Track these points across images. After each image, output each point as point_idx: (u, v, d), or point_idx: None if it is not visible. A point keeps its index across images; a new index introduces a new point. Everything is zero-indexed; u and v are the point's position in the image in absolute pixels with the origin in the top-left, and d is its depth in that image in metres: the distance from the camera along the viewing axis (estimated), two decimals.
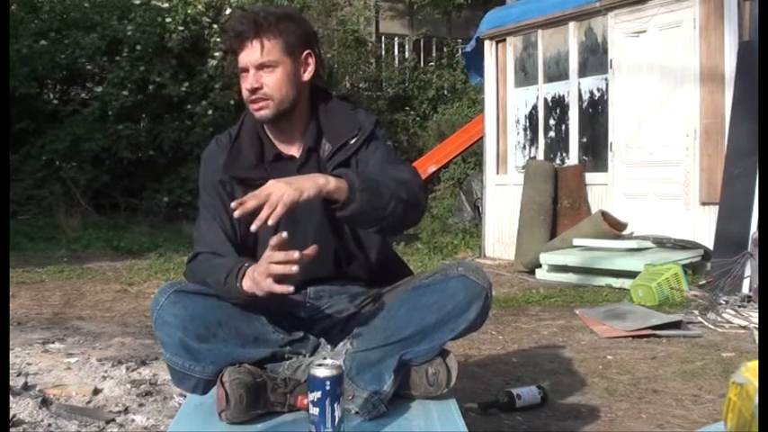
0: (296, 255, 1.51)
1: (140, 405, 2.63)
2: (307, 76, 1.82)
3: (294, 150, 1.85)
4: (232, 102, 10.14)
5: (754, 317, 3.91)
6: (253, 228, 1.50)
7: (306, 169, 1.80)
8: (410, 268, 1.98)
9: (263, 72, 1.75)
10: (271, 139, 1.85)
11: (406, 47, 16.08)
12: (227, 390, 1.54)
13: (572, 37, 6.79)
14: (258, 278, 1.54)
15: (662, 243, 5.61)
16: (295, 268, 1.50)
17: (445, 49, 15.90)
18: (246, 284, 1.58)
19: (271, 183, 1.51)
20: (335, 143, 1.82)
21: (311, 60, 1.82)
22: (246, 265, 1.61)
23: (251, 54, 1.75)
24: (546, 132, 7.14)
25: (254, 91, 1.76)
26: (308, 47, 1.82)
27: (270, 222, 1.47)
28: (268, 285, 1.52)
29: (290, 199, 1.48)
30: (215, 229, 1.78)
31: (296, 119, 1.83)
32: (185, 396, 1.94)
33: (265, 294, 1.55)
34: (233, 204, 1.51)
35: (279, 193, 1.48)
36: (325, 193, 1.53)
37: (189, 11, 10.41)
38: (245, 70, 1.76)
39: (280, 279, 1.51)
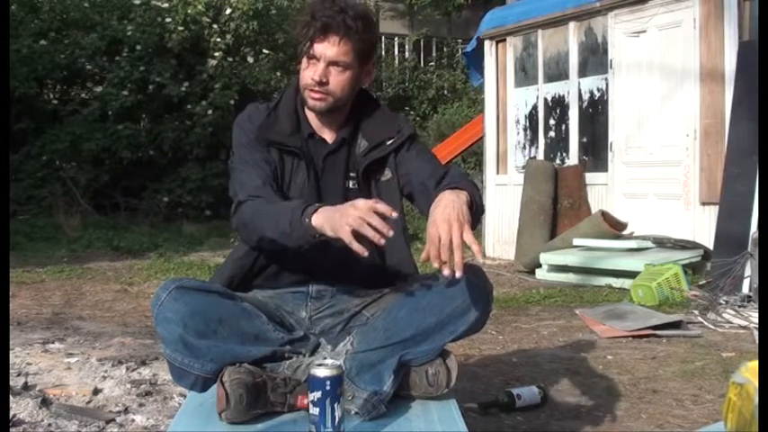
0: (390, 233, 1.48)
1: (140, 405, 2.63)
2: (366, 82, 1.87)
3: (327, 136, 1.87)
4: (232, 102, 10.15)
5: (754, 317, 3.91)
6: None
7: (334, 156, 1.85)
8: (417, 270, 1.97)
9: (333, 68, 1.77)
10: (308, 118, 1.88)
11: (407, 47, 16.07)
12: (227, 389, 1.54)
13: (572, 37, 6.79)
14: (340, 221, 1.49)
15: (662, 243, 5.61)
16: (383, 241, 1.48)
17: (445, 49, 15.90)
18: (318, 220, 1.53)
19: (439, 227, 1.51)
20: (372, 141, 1.85)
21: (373, 69, 1.87)
22: (318, 205, 1.58)
23: (330, 48, 1.75)
24: (546, 132, 7.14)
25: (320, 83, 1.77)
26: (374, 55, 1.86)
27: (479, 258, 1.52)
28: (347, 234, 1.47)
29: (469, 236, 1.51)
30: (256, 177, 1.76)
31: (338, 113, 1.86)
32: (185, 396, 1.94)
33: (335, 238, 1.51)
34: (435, 264, 1.51)
35: (458, 235, 1.50)
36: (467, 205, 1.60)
37: (189, 11, 10.41)
38: (316, 59, 1.77)
39: (359, 237, 1.48)
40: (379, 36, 15.51)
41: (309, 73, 1.78)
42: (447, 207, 1.54)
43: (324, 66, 1.76)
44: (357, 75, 1.81)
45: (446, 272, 1.48)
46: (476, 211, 1.64)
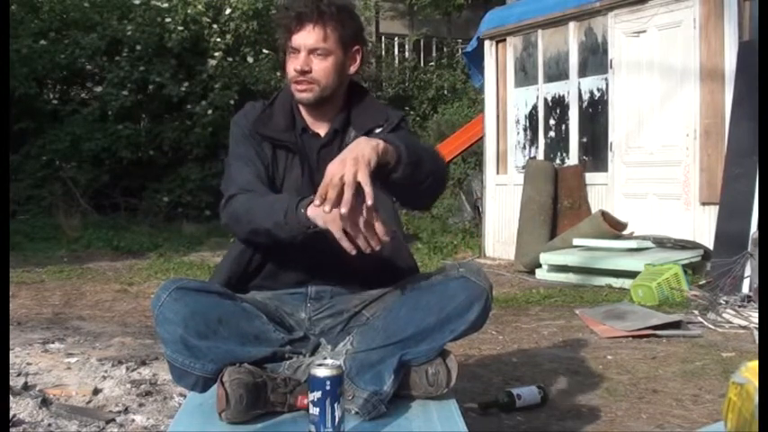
0: (377, 247, 1.50)
1: (140, 405, 2.64)
2: (352, 69, 1.87)
3: (320, 130, 1.88)
4: (232, 102, 10.14)
5: (754, 317, 3.91)
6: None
7: (328, 149, 1.84)
8: (418, 269, 1.96)
9: (315, 56, 1.79)
10: (302, 114, 1.89)
11: (407, 47, 16.06)
12: (228, 390, 1.54)
13: (572, 37, 6.79)
14: (330, 217, 1.50)
15: (662, 243, 5.61)
16: (369, 250, 1.50)
17: (445, 49, 15.89)
18: (312, 211, 1.55)
19: (334, 166, 1.50)
20: (361, 130, 1.86)
21: (358, 56, 1.87)
22: (312, 197, 1.58)
23: (307, 37, 1.78)
24: (546, 132, 7.14)
25: (302, 73, 1.79)
26: (359, 43, 1.87)
27: (369, 202, 1.45)
28: (337, 229, 1.50)
29: (364, 176, 1.47)
30: (248, 173, 1.79)
31: (330, 105, 1.87)
32: (185, 396, 1.94)
33: (324, 229, 1.53)
34: (316, 201, 1.50)
35: (351, 173, 1.47)
36: (381, 154, 1.54)
37: (189, 11, 10.42)
38: (297, 51, 1.79)
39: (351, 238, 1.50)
40: (379, 35, 15.59)
41: (294, 65, 1.80)
42: (349, 150, 1.53)
43: (305, 54, 1.78)
44: (341, 61, 1.82)
45: (326, 207, 1.46)
46: (402, 161, 1.56)
